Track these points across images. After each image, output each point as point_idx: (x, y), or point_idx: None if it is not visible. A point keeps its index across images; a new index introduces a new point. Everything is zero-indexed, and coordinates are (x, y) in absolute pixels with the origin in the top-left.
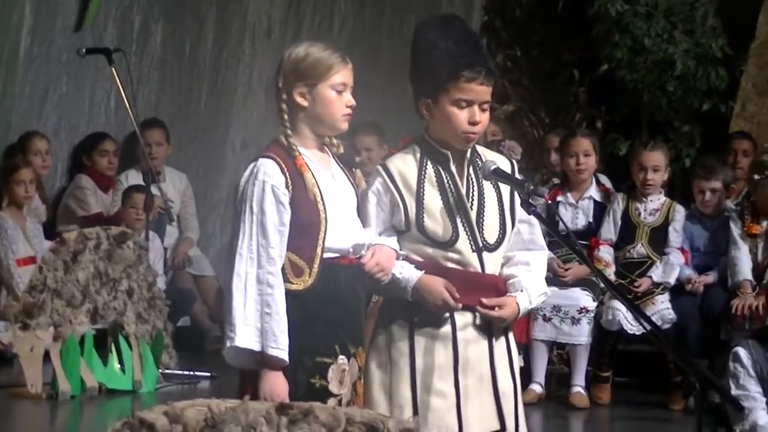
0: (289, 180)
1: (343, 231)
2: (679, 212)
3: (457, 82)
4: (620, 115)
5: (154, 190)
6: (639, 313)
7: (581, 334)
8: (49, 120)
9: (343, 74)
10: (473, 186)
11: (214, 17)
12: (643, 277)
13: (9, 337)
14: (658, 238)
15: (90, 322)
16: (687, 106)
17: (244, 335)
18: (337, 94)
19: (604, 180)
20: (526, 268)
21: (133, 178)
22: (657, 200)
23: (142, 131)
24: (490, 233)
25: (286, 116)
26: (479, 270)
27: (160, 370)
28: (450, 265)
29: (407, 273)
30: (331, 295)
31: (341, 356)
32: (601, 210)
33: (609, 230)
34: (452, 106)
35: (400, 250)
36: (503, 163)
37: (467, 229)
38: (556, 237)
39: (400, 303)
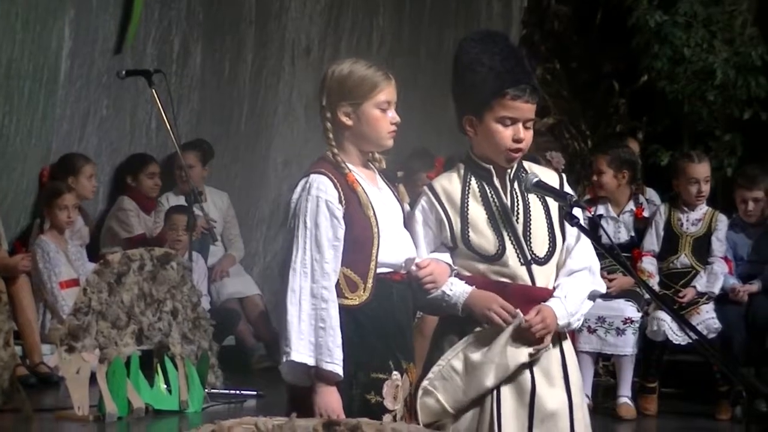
0: (342, 195)
1: (394, 245)
2: (722, 221)
3: (502, 99)
4: (661, 126)
5: (196, 210)
6: (685, 323)
7: (626, 345)
8: (89, 142)
9: (387, 92)
10: (518, 199)
11: (252, 36)
12: (687, 287)
13: (55, 360)
14: (702, 248)
15: (135, 344)
16: (727, 115)
17: (299, 349)
18: (382, 112)
19: (651, 194)
20: (568, 278)
21: (174, 199)
22: (699, 210)
23: (182, 153)
24: (539, 246)
25: (331, 135)
26: (529, 283)
27: (206, 390)
28: (499, 278)
29: (457, 289)
30: (385, 310)
31: (395, 372)
32: (641, 223)
33: (652, 241)
34: (497, 124)
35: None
36: (551, 176)
37: (514, 242)
38: (600, 249)
39: (451, 320)
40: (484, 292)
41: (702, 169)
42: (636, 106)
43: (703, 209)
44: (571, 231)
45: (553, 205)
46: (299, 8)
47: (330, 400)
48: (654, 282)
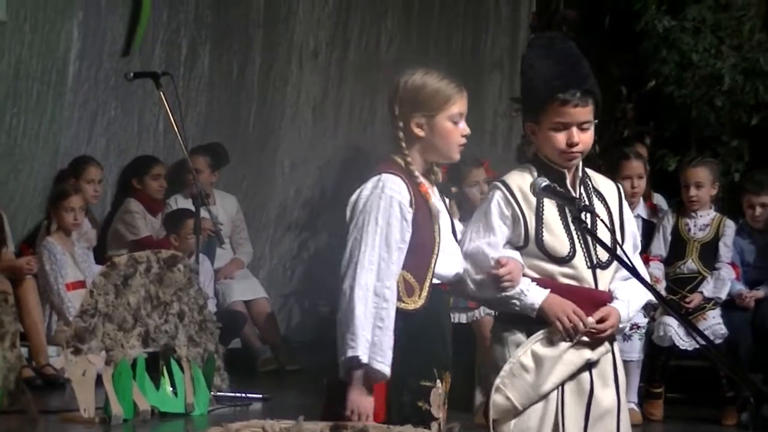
0: (413, 199)
1: (448, 258)
2: (729, 227)
3: (553, 105)
4: (668, 131)
5: (203, 212)
6: (692, 328)
7: (633, 351)
8: (98, 144)
9: (460, 104)
10: (585, 203)
11: (261, 39)
12: (694, 293)
13: (61, 362)
14: (709, 254)
15: (141, 346)
16: (735, 120)
17: (360, 346)
18: (454, 124)
19: (659, 199)
20: (624, 282)
21: (182, 202)
22: (707, 215)
23: (191, 156)
24: (602, 251)
25: (404, 143)
26: (593, 286)
27: (212, 393)
28: (566, 280)
29: (534, 291)
30: (434, 316)
31: (438, 380)
32: (649, 228)
33: (659, 246)
34: (550, 129)
35: None
36: (611, 186)
37: (583, 245)
38: (608, 252)
39: (517, 319)
40: (560, 299)
41: (694, 174)
42: (643, 111)
43: (710, 215)
44: (628, 239)
45: (614, 209)
46: (307, 11)
47: (364, 401)
48: (661, 287)
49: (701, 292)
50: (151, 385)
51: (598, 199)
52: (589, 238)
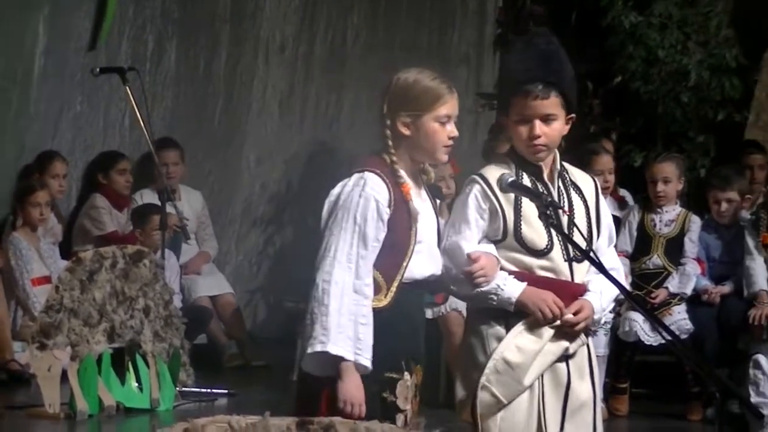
0: (392, 199)
1: (425, 260)
2: (695, 223)
3: (518, 97)
4: (635, 127)
5: (169, 208)
6: (658, 323)
7: (598, 346)
8: (63, 139)
9: (449, 105)
10: (563, 196)
11: (227, 34)
12: (659, 288)
13: (26, 358)
14: (674, 249)
15: (107, 341)
16: (701, 116)
17: (338, 343)
18: (441, 125)
19: (625, 195)
20: (598, 274)
21: (148, 197)
22: (672, 211)
23: (158, 151)
24: (579, 243)
25: (390, 141)
26: (569, 279)
27: (177, 388)
28: (543, 273)
29: (511, 285)
30: (400, 314)
31: (405, 372)
32: (615, 223)
33: (625, 242)
34: (515, 122)
35: None
36: (588, 180)
37: (561, 238)
38: (574, 248)
39: (495, 314)
40: (537, 290)
41: (661, 169)
42: (610, 106)
43: (676, 210)
44: (603, 232)
45: (591, 203)
46: (274, 6)
47: (356, 390)
48: (626, 283)
49: (666, 288)
50: (116, 380)
51: (576, 193)
52: (566, 231)
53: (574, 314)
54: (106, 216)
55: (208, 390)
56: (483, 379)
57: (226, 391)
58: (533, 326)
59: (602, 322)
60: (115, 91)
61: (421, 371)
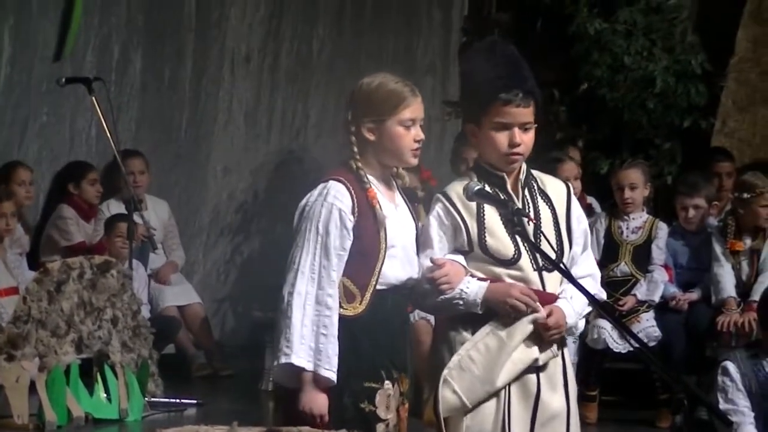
0: (356, 206)
1: (400, 264)
2: (662, 229)
3: (495, 106)
4: (601, 134)
5: (136, 218)
6: (626, 331)
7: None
8: (30, 150)
9: (412, 109)
10: (529, 206)
11: (192, 44)
12: (627, 296)
13: None
14: (642, 256)
15: (75, 352)
16: (668, 123)
17: (299, 353)
18: (405, 129)
19: (592, 201)
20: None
21: (115, 207)
22: (639, 218)
23: (124, 160)
24: (548, 252)
25: (355, 148)
26: (540, 288)
27: (146, 399)
28: (512, 282)
29: (474, 286)
30: (379, 321)
31: (387, 381)
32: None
33: (592, 249)
34: (492, 130)
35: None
36: (559, 187)
37: (528, 248)
38: (542, 257)
39: (462, 318)
40: (501, 283)
41: (628, 176)
42: (576, 114)
43: (643, 217)
44: (578, 239)
45: (561, 211)
46: (239, 16)
47: (316, 400)
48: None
49: (634, 295)
50: (84, 391)
51: (544, 201)
52: (533, 241)
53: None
54: (74, 226)
55: (177, 400)
56: (445, 372)
57: (194, 401)
58: (503, 327)
59: (579, 328)
60: (81, 101)
61: (407, 378)
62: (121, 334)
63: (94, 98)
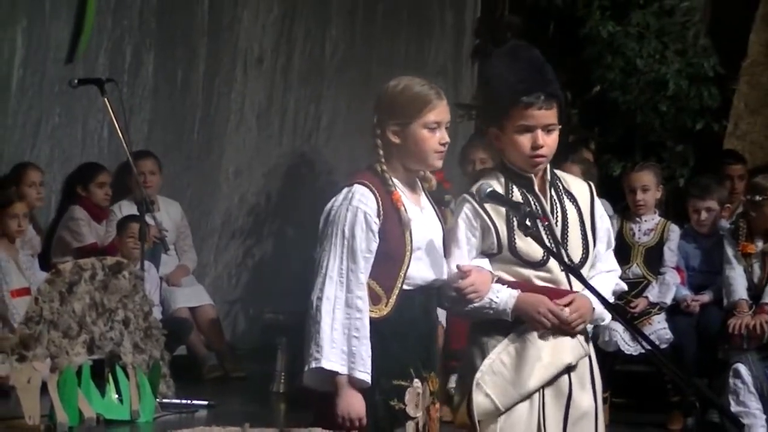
0: (381, 209)
1: (426, 266)
2: (674, 232)
3: (517, 108)
4: (614, 136)
5: (148, 219)
6: (638, 333)
7: None
8: (42, 151)
9: (437, 112)
10: (557, 207)
11: (205, 45)
12: (639, 298)
13: (6, 370)
14: (654, 258)
15: (87, 353)
16: (680, 125)
17: (330, 357)
18: (430, 132)
19: (605, 205)
20: (598, 277)
21: (127, 208)
22: (651, 220)
23: (135, 161)
24: (575, 252)
25: (381, 151)
26: (568, 288)
27: (157, 400)
28: (541, 284)
29: (504, 295)
30: (407, 321)
31: (416, 380)
32: None
33: None
34: (515, 133)
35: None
36: (583, 187)
37: (554, 248)
38: (555, 258)
39: (495, 322)
40: (531, 295)
41: (640, 178)
42: (588, 116)
43: (655, 219)
44: (602, 238)
45: (585, 211)
46: (252, 18)
47: (353, 402)
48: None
49: (646, 297)
50: (96, 392)
51: (570, 201)
52: (559, 240)
53: (568, 306)
54: (85, 228)
55: (188, 401)
56: (477, 376)
57: (205, 403)
58: (532, 330)
59: (606, 319)
60: (93, 102)
61: (437, 378)
62: (133, 336)
63: (106, 100)
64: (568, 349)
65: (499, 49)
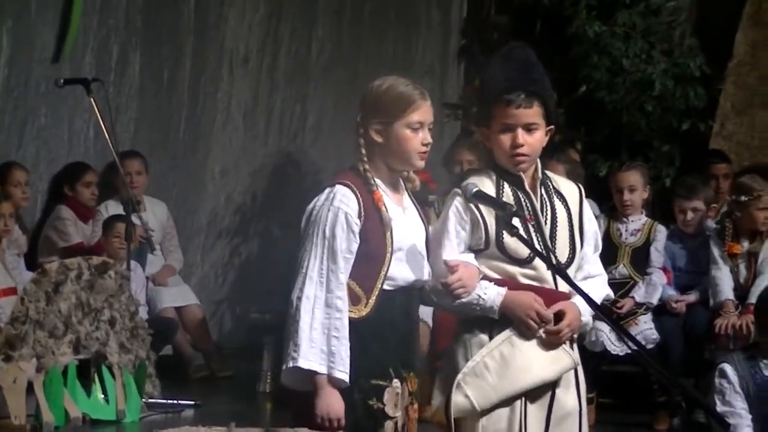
0: (362, 209)
1: (407, 267)
2: (661, 232)
3: (500, 107)
4: (600, 136)
5: (134, 219)
6: (625, 333)
7: None
8: (28, 151)
9: (421, 112)
10: (546, 206)
11: (191, 45)
12: (625, 298)
13: None
14: (640, 259)
15: (73, 353)
16: (666, 125)
17: (309, 357)
18: (413, 132)
19: (591, 205)
20: (583, 281)
21: (113, 208)
22: (638, 220)
23: (122, 161)
24: (561, 252)
25: (363, 150)
26: (553, 287)
27: (143, 400)
28: (527, 281)
29: (492, 292)
30: (386, 321)
31: (395, 380)
32: None
33: None
34: (499, 132)
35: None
36: (572, 188)
37: (543, 247)
38: (541, 258)
39: (479, 321)
40: (520, 293)
41: (627, 178)
42: (574, 116)
43: (641, 220)
44: (589, 240)
45: (574, 211)
46: (238, 18)
47: (332, 402)
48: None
49: (633, 297)
50: (82, 392)
51: (560, 201)
52: (548, 241)
53: (556, 316)
54: (72, 227)
55: (174, 401)
56: (459, 377)
57: (192, 403)
58: (520, 336)
59: (590, 325)
60: (79, 102)
61: (416, 378)
62: (119, 335)
63: (92, 99)
64: (556, 360)
65: (499, 50)
